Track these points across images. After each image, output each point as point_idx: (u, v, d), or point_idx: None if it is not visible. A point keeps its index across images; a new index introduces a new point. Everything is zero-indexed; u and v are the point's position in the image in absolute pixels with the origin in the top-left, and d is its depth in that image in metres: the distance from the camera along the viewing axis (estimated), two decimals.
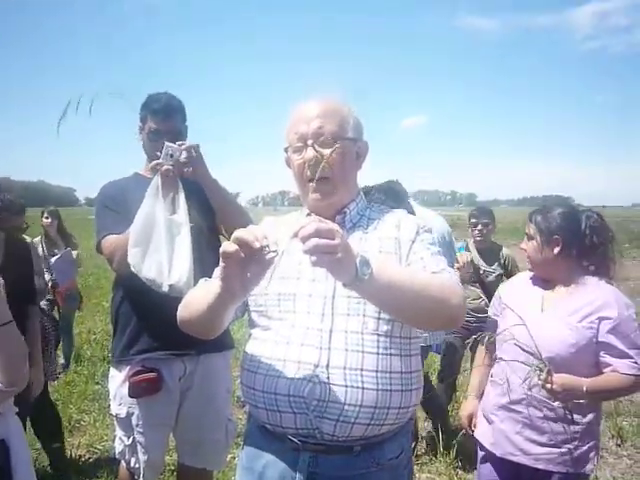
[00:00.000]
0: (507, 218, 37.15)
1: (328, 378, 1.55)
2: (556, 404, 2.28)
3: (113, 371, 2.74)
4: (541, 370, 2.25)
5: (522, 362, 2.30)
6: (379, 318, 1.61)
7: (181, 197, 2.42)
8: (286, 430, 1.61)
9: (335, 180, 1.71)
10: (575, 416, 2.29)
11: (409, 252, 1.71)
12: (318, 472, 1.60)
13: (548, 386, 2.24)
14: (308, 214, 1.77)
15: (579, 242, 2.38)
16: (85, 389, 5.53)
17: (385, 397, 1.58)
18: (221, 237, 2.78)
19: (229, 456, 3.34)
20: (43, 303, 3.94)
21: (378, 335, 1.60)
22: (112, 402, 2.74)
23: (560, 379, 2.24)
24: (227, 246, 1.38)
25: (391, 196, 3.20)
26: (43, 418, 3.79)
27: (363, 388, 1.56)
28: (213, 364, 2.69)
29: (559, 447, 2.30)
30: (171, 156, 2.43)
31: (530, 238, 2.46)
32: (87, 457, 4.24)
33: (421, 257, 1.69)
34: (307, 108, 1.75)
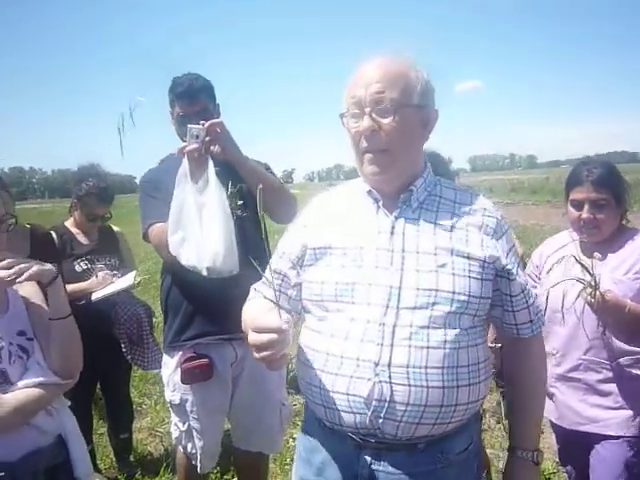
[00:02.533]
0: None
1: (390, 377, 1.44)
2: (614, 364, 2.21)
3: (165, 357, 2.74)
4: (591, 287, 2.14)
5: (577, 279, 2.19)
6: (449, 312, 1.47)
7: (210, 177, 2.32)
8: (345, 428, 1.53)
9: (394, 152, 1.54)
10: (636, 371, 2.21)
11: (496, 261, 1.55)
12: (380, 469, 1.51)
13: (594, 300, 2.14)
14: (369, 191, 1.64)
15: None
16: (146, 373, 5.60)
17: (452, 394, 1.46)
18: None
19: (285, 437, 3.30)
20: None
21: (445, 329, 1.47)
22: (166, 388, 2.74)
23: (607, 292, 2.14)
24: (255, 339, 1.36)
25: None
26: (119, 407, 3.85)
27: (428, 387, 1.44)
28: None
29: (626, 409, 2.21)
30: (196, 137, 2.33)
31: (600, 205, 2.28)
32: (149, 440, 4.31)
33: (521, 288, 1.59)
34: (367, 70, 1.56)
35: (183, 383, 2.57)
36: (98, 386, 3.88)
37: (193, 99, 2.56)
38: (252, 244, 2.56)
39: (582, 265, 2.17)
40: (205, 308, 2.53)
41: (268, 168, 2.76)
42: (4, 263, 1.72)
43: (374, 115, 1.52)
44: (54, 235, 3.33)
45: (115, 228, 3.87)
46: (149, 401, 4.90)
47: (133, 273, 3.53)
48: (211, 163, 2.32)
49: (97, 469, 3.72)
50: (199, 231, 2.32)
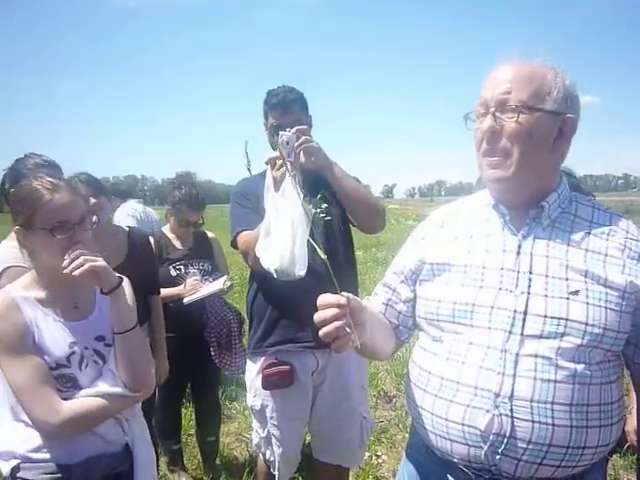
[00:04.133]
0: None
1: (511, 410, 1.34)
2: None
3: (249, 363, 2.77)
4: None
5: None
6: (581, 345, 1.33)
7: (286, 184, 2.29)
8: (457, 460, 1.43)
9: (516, 158, 1.40)
10: None
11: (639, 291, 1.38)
12: None
13: None
14: (495, 205, 1.52)
15: None
16: (237, 377, 5.69)
17: (580, 435, 1.34)
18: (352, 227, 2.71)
19: (367, 454, 3.24)
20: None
21: (576, 363, 1.34)
22: (248, 394, 2.77)
23: None
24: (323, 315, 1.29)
25: None
26: (206, 411, 3.90)
27: (554, 425, 1.33)
28: (346, 359, 2.60)
29: None
30: (287, 143, 2.35)
31: None
32: (235, 445, 4.36)
33: None
34: (498, 72, 1.46)
35: (264, 389, 2.59)
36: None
37: (286, 110, 2.61)
38: (337, 250, 2.57)
39: None
40: (289, 315, 2.54)
41: (357, 180, 2.74)
42: (75, 252, 1.72)
43: (497, 115, 1.41)
44: (152, 240, 3.44)
45: (210, 234, 3.98)
46: (238, 406, 4.95)
47: (224, 278, 3.60)
48: (289, 169, 2.32)
49: (184, 468, 3.82)
50: (277, 237, 2.32)
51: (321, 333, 1.29)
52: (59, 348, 1.79)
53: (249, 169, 1.99)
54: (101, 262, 1.76)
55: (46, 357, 1.77)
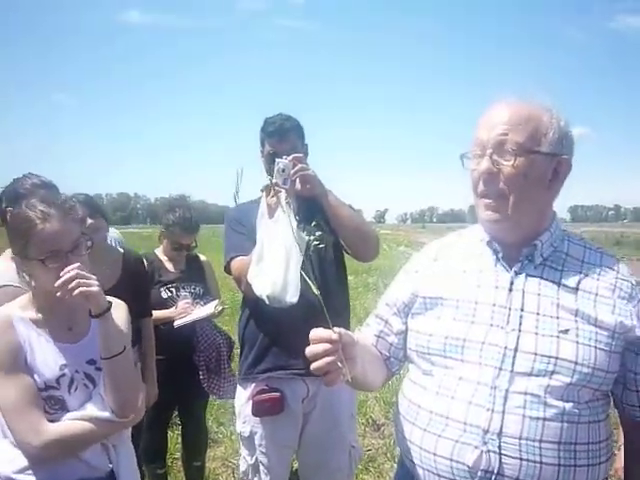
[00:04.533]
0: None
1: (499, 447, 1.34)
2: None
3: (239, 389, 2.77)
4: None
5: None
6: (570, 384, 1.35)
7: (279, 210, 2.31)
8: None
9: (513, 199, 1.42)
10: None
11: (629, 331, 1.40)
12: None
13: None
14: (489, 241, 1.54)
15: None
16: (225, 402, 5.64)
17: (568, 474, 1.34)
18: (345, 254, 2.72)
19: None
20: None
21: (565, 401, 1.35)
22: (237, 420, 2.76)
23: None
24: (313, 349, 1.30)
25: None
26: (193, 435, 3.86)
27: (542, 463, 1.33)
28: (337, 387, 2.59)
29: None
30: (283, 170, 2.37)
31: None
32: (221, 470, 4.31)
33: None
34: (495, 112, 1.47)
35: (254, 415, 2.58)
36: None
37: (283, 138, 2.63)
38: (331, 277, 2.58)
39: None
40: (280, 342, 2.55)
41: (351, 208, 2.77)
42: (69, 268, 1.72)
43: (494, 157, 1.43)
44: (144, 261, 3.44)
45: (202, 257, 3.97)
46: (225, 430, 4.91)
47: (215, 302, 3.60)
48: (283, 196, 2.33)
49: None
50: (269, 263, 2.33)
51: (312, 367, 1.30)
52: (49, 369, 1.79)
53: (235, 198, 2.01)
54: (94, 286, 1.75)
55: (36, 377, 1.76)
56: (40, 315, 1.85)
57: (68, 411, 1.80)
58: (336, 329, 1.32)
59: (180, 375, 3.51)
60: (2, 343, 1.75)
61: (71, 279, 1.71)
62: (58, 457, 1.77)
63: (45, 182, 2.57)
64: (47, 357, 1.80)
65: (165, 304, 3.55)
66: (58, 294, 1.72)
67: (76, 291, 1.71)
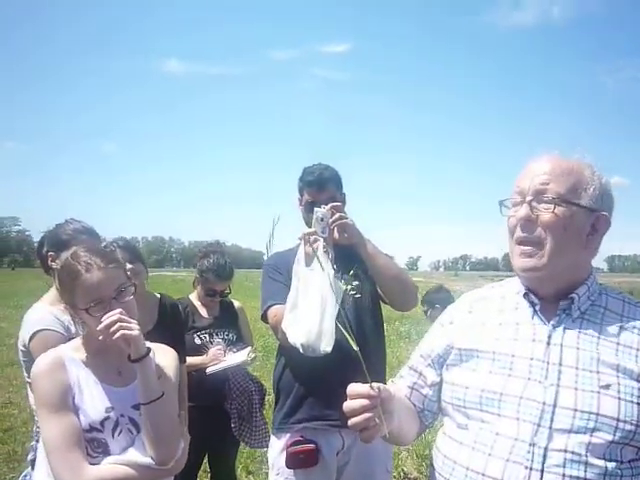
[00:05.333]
0: None
1: None
2: None
3: (273, 439, 2.71)
4: None
5: None
6: (612, 442, 1.29)
7: (316, 259, 2.31)
8: None
9: (549, 249, 1.41)
10: None
11: None
12: None
13: None
14: (525, 293, 1.52)
15: None
16: (254, 451, 5.56)
17: None
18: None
19: None
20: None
21: (607, 460, 1.29)
22: (270, 471, 2.69)
23: None
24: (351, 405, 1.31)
25: None
26: None
27: None
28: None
29: None
30: (321, 219, 2.39)
31: None
32: None
33: None
34: (537, 163, 1.49)
35: (287, 467, 2.52)
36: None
37: (322, 187, 2.65)
38: (368, 328, 2.55)
39: None
40: (316, 392, 2.51)
41: (389, 257, 2.75)
42: (112, 313, 1.76)
43: (534, 204, 1.43)
44: (180, 307, 3.45)
45: (236, 303, 3.97)
46: (254, 479, 4.83)
47: (248, 349, 3.57)
48: (321, 245, 2.33)
49: None
50: (304, 311, 2.31)
51: (350, 423, 1.29)
52: (96, 411, 1.81)
53: (268, 247, 2.02)
54: (135, 330, 1.78)
55: (82, 418, 1.78)
56: (91, 357, 1.88)
57: (110, 455, 1.80)
58: (374, 384, 1.31)
59: (211, 423, 3.47)
60: (52, 382, 1.79)
61: (112, 323, 1.74)
62: None
63: (86, 227, 2.62)
64: (94, 398, 1.82)
65: (198, 350, 3.54)
66: (100, 338, 1.75)
67: (117, 334, 1.74)
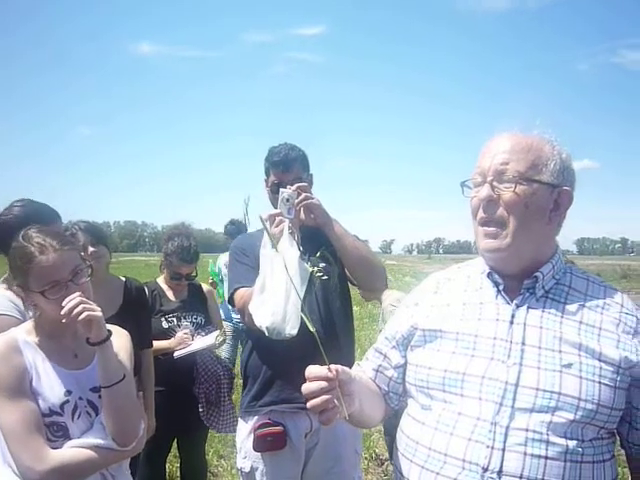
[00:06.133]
0: None
1: None
2: None
3: (240, 422, 2.68)
4: None
5: None
6: (573, 421, 1.29)
7: (282, 241, 2.30)
8: None
9: (512, 228, 1.41)
10: None
11: (634, 367, 1.34)
12: None
13: None
14: (489, 273, 1.51)
15: None
16: (226, 435, 5.54)
17: None
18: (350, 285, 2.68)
19: None
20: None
21: (568, 439, 1.29)
22: (237, 455, 2.67)
23: None
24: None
25: None
26: (192, 469, 3.80)
27: None
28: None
29: None
30: (287, 200, 2.36)
31: None
32: None
33: None
34: (496, 142, 1.48)
35: (255, 450, 2.50)
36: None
37: (287, 168, 2.60)
38: (336, 310, 2.53)
39: None
40: (284, 375, 2.48)
41: (357, 238, 2.73)
42: (72, 296, 1.74)
43: (495, 184, 1.42)
44: (146, 290, 3.40)
45: (205, 286, 3.93)
46: (225, 464, 4.82)
47: (216, 333, 3.54)
48: (286, 227, 2.30)
49: None
50: (270, 293, 2.29)
51: (309, 405, 1.28)
52: (55, 395, 1.78)
53: (246, 227, 2.00)
54: (98, 312, 1.77)
55: (41, 402, 1.75)
56: (46, 341, 1.85)
57: (70, 439, 1.78)
58: (332, 366, 1.30)
59: (180, 407, 3.44)
60: (8, 366, 1.75)
61: (76, 305, 1.72)
62: None
63: (36, 208, 2.46)
64: (52, 382, 1.80)
65: (166, 334, 3.50)
66: (64, 320, 1.72)
67: (82, 315, 1.71)
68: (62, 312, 1.71)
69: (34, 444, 1.70)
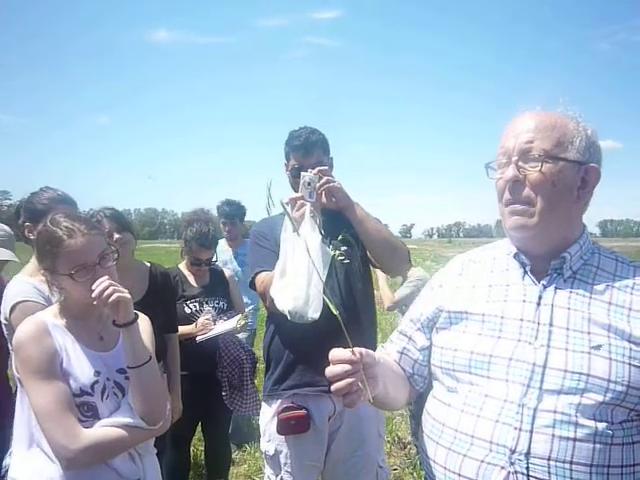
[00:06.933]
0: None
1: (527, 469, 1.28)
2: None
3: (264, 406, 2.70)
4: None
5: None
6: (602, 402, 1.27)
7: (304, 225, 2.29)
8: None
9: (539, 207, 1.38)
10: None
11: None
12: None
13: None
14: (516, 254, 1.49)
15: None
16: (250, 418, 5.58)
17: None
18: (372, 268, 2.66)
19: None
20: (241, 335, 3.99)
21: (597, 421, 1.27)
22: (261, 438, 2.69)
23: None
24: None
25: None
26: (216, 452, 3.85)
27: None
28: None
29: None
30: (308, 184, 2.36)
31: None
32: None
33: None
34: (520, 121, 1.45)
35: (279, 434, 2.52)
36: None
37: (308, 152, 2.59)
38: (357, 293, 2.52)
39: None
40: (306, 358, 2.48)
41: (378, 221, 2.72)
42: (102, 280, 1.78)
43: (520, 164, 1.40)
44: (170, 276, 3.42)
45: (227, 272, 3.95)
46: (249, 448, 4.85)
47: (238, 317, 3.56)
48: (307, 211, 2.29)
49: None
50: (292, 277, 2.29)
51: (333, 388, 1.28)
52: (85, 375, 1.83)
53: (268, 210, 1.99)
54: (127, 294, 1.81)
55: (72, 382, 1.80)
56: (73, 323, 1.89)
57: (99, 418, 1.82)
58: (356, 349, 1.29)
59: (203, 391, 3.48)
60: (40, 349, 1.79)
61: (106, 287, 1.76)
62: (93, 463, 1.79)
63: (62, 195, 2.58)
64: (82, 363, 1.84)
65: (188, 319, 3.53)
66: (95, 303, 1.76)
67: (112, 296, 1.76)
68: (93, 295, 1.75)
69: (68, 423, 1.74)
